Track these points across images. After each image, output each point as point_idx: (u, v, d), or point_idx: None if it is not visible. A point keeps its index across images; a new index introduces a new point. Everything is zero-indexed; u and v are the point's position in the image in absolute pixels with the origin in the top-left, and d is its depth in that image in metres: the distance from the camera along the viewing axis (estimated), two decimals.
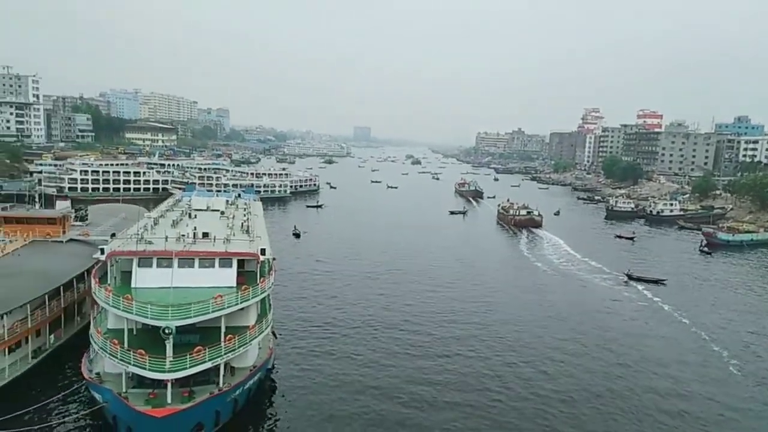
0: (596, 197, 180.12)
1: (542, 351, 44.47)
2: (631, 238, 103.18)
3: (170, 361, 27.08)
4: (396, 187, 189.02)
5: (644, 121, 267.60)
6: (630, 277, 69.54)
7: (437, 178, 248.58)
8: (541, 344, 46.03)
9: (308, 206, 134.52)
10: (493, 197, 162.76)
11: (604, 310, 57.43)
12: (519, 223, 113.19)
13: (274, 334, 38.43)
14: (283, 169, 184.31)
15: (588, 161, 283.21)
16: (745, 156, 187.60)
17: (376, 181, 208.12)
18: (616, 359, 43.44)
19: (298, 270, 65.81)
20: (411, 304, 55.61)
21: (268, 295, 36.27)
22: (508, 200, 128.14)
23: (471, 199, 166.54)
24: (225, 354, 29.11)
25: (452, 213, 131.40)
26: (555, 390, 37.23)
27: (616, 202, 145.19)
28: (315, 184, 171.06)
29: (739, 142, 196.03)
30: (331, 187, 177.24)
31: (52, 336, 37.77)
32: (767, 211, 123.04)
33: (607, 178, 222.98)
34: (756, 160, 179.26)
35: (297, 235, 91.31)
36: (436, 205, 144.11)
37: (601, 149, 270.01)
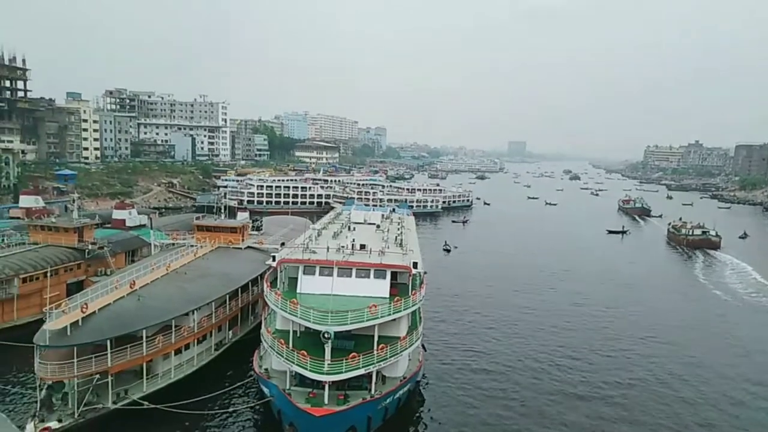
0: None
1: (731, 401, 38.41)
2: None
3: (328, 364, 28.92)
4: (555, 204, 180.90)
5: None
6: None
7: (596, 194, 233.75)
8: (729, 388, 40.05)
9: (453, 221, 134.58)
10: (660, 216, 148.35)
11: None
12: (692, 243, 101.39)
13: (423, 347, 39.04)
14: (437, 184, 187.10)
15: None
16: None
17: (533, 197, 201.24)
18: None
19: (447, 285, 66.09)
20: (565, 330, 52.32)
21: (419, 308, 37.02)
22: (680, 219, 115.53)
23: (637, 217, 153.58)
24: (377, 362, 30.26)
25: (610, 232, 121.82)
26: None
27: None
28: (468, 200, 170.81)
29: None
30: (485, 204, 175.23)
31: (230, 332, 42.61)
32: None
33: None
34: None
35: (447, 251, 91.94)
36: (596, 223, 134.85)
37: None
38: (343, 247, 38.78)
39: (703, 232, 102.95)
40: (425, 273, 40.50)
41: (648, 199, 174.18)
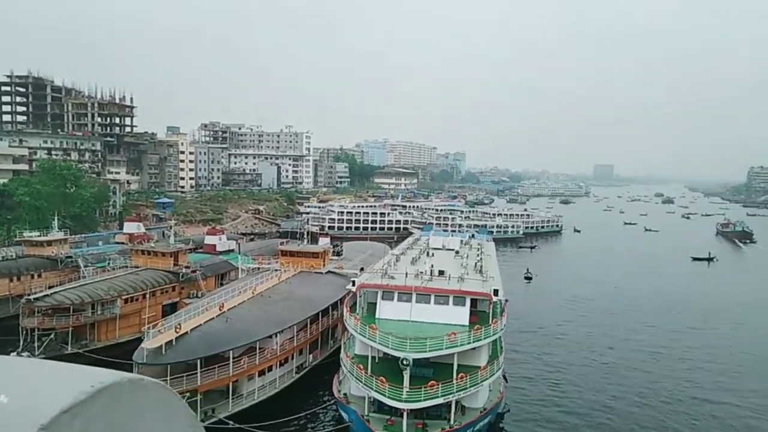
0: None
1: None
2: None
3: (407, 392, 28.65)
4: (657, 231, 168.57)
5: None
6: None
7: (688, 218, 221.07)
8: None
9: (520, 247, 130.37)
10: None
11: None
12: None
13: (505, 378, 37.78)
14: (525, 209, 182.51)
15: None
16: None
17: (630, 223, 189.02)
18: None
19: (528, 314, 63.53)
20: (654, 371, 47.85)
21: (500, 337, 35.98)
22: None
23: (737, 241, 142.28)
24: (457, 392, 29.61)
25: (696, 259, 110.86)
26: None
27: None
28: (557, 225, 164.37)
29: None
30: (576, 230, 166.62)
31: (311, 355, 43.38)
32: None
33: None
34: None
35: (529, 278, 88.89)
36: (684, 249, 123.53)
37: None
38: (421, 272, 38.68)
39: None
40: (506, 301, 39.40)
41: (752, 224, 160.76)
